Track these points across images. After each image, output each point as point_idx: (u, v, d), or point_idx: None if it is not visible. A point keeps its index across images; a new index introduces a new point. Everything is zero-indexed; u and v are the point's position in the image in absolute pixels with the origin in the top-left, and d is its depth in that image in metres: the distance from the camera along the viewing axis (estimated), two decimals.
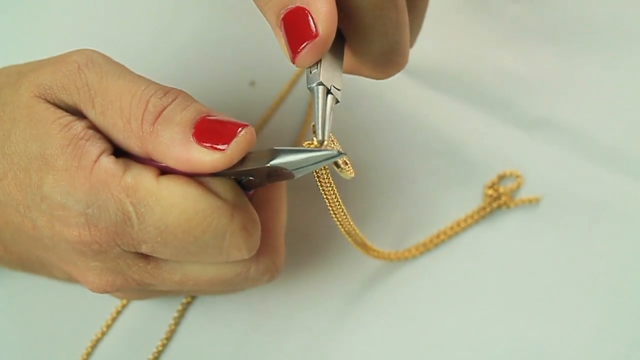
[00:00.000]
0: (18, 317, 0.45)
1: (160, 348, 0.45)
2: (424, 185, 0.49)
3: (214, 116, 0.33)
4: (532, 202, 0.47)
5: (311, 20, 0.31)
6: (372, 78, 0.38)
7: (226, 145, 0.32)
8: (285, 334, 0.45)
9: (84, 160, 0.32)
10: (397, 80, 0.50)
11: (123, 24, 0.54)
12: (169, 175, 0.33)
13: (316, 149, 0.32)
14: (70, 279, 0.40)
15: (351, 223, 0.37)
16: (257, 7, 0.33)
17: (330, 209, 0.36)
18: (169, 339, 0.45)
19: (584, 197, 0.47)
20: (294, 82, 0.52)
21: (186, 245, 0.34)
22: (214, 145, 0.32)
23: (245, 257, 0.36)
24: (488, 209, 0.47)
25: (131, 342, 0.45)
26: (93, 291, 0.36)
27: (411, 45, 0.39)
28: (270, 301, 0.45)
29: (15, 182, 0.34)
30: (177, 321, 0.45)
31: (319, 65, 0.33)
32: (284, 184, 0.41)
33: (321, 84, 0.33)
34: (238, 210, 0.34)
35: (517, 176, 0.48)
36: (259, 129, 0.51)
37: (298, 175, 0.33)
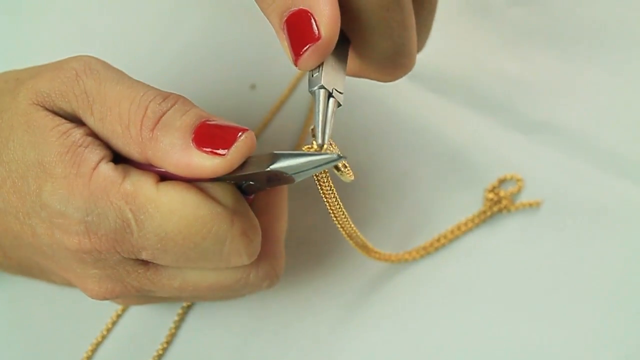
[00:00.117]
0: (18, 321, 0.45)
1: (160, 352, 0.44)
2: (424, 189, 0.48)
3: (213, 121, 0.33)
4: (533, 206, 0.47)
5: (314, 23, 0.31)
6: (379, 81, 0.37)
7: (226, 150, 0.32)
8: (285, 338, 0.45)
9: (83, 168, 0.32)
10: (398, 83, 0.49)
11: (124, 28, 0.53)
12: (169, 182, 0.33)
13: (316, 152, 0.32)
14: (69, 284, 0.40)
15: (352, 225, 0.37)
16: (260, 9, 0.33)
17: (331, 211, 0.36)
18: (169, 342, 0.45)
19: (585, 201, 0.47)
20: (294, 86, 0.52)
21: (186, 252, 0.33)
22: (214, 150, 0.32)
23: (246, 262, 0.36)
24: (489, 213, 0.47)
25: (131, 345, 0.45)
26: (92, 298, 0.36)
27: (421, 48, 0.38)
28: (270, 305, 0.45)
29: (14, 189, 0.34)
30: (178, 325, 0.45)
31: (320, 69, 0.33)
32: (285, 190, 0.41)
33: (322, 87, 0.32)
34: (238, 216, 0.34)
35: (518, 180, 0.48)
36: (259, 132, 0.51)
37: (298, 179, 0.33)
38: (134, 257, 0.34)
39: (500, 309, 0.45)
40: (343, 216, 0.36)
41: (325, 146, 0.32)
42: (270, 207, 0.40)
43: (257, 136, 0.50)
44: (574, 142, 0.49)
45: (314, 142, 0.32)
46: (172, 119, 0.33)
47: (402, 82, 0.47)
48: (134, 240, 0.33)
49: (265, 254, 0.38)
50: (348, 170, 0.34)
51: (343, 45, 0.34)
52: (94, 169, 0.32)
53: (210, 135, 0.32)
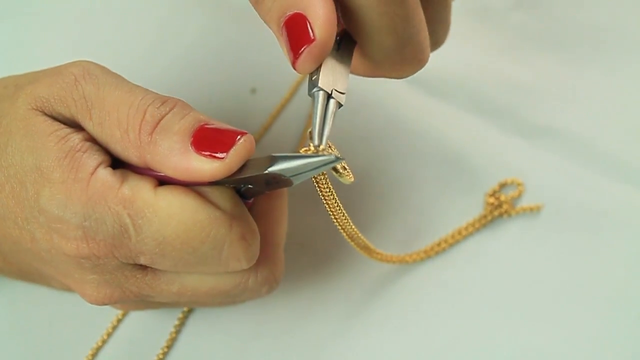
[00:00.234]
0: (19, 325, 0.45)
1: (161, 357, 0.44)
2: (425, 193, 0.48)
3: (212, 124, 0.33)
4: (534, 210, 0.47)
5: (309, 26, 0.31)
6: (393, 78, 0.36)
7: (225, 154, 0.32)
8: (286, 344, 0.45)
9: (81, 173, 0.32)
10: (398, 87, 0.50)
11: (124, 32, 0.54)
12: (167, 186, 0.33)
13: (314, 154, 0.32)
14: (69, 289, 0.40)
15: (353, 227, 0.37)
16: (259, 15, 0.33)
17: (331, 213, 0.35)
18: (169, 347, 0.45)
19: (585, 205, 0.47)
20: (295, 90, 0.52)
21: (184, 256, 0.33)
22: (213, 154, 0.32)
23: (244, 267, 0.35)
24: (489, 217, 0.47)
25: (132, 350, 0.45)
26: (91, 304, 0.36)
27: (440, 42, 0.37)
28: (271, 310, 0.45)
29: (12, 194, 0.34)
30: (178, 330, 0.45)
31: (318, 71, 0.33)
32: (285, 194, 0.41)
33: (320, 89, 0.32)
34: (236, 220, 0.34)
35: (519, 184, 0.48)
36: (259, 137, 0.51)
37: (297, 182, 0.33)
38: (132, 262, 0.34)
39: (501, 313, 0.45)
40: (344, 218, 0.36)
41: (322, 147, 0.32)
42: (269, 211, 0.40)
43: (258, 141, 0.50)
44: (575, 147, 0.49)
45: (311, 144, 0.32)
46: (171, 123, 0.33)
47: (402, 86, 0.48)
48: (132, 245, 0.33)
49: (264, 259, 0.38)
50: (348, 172, 0.33)
51: (348, 46, 0.34)
52: (92, 173, 0.32)
53: (208, 139, 0.32)
